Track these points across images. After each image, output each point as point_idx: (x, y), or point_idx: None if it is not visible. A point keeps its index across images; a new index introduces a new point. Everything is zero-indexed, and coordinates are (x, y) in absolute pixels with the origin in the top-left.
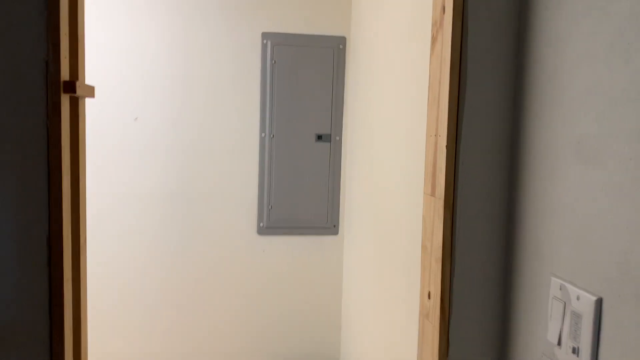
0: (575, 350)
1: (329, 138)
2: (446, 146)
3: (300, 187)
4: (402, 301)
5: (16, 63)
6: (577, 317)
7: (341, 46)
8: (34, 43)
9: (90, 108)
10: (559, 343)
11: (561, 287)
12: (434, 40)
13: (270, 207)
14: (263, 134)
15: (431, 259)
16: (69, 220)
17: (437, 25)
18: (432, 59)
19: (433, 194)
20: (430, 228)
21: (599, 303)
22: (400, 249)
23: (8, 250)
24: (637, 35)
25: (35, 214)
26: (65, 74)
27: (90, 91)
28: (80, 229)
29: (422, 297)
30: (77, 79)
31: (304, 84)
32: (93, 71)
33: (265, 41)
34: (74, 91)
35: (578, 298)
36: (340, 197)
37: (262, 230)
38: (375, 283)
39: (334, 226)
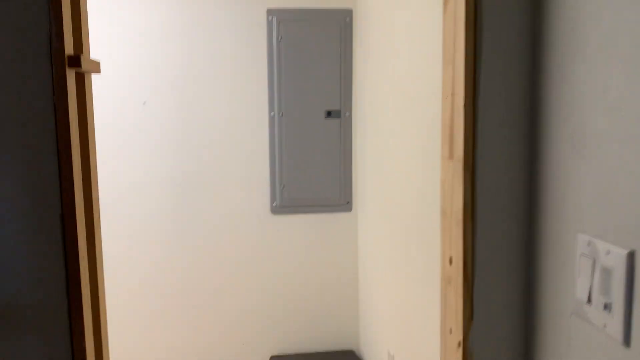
0: (607, 307)
1: (338, 114)
2: (464, 105)
3: (311, 165)
4: (419, 270)
5: (19, 37)
6: (607, 272)
7: (348, 19)
8: (37, 16)
9: (99, 92)
10: (589, 300)
11: (589, 243)
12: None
13: (282, 186)
14: (272, 113)
15: (451, 223)
16: (81, 197)
17: None
18: (445, 17)
19: (451, 156)
20: (449, 192)
21: (631, 256)
22: (414, 216)
23: (22, 229)
24: None
25: (47, 193)
26: (69, 48)
27: (96, 66)
28: (93, 206)
29: (443, 262)
30: (81, 52)
31: (312, 60)
32: (98, 58)
33: (270, 17)
34: (79, 65)
35: (608, 253)
36: (353, 172)
37: (275, 210)
38: (391, 255)
39: (347, 202)
